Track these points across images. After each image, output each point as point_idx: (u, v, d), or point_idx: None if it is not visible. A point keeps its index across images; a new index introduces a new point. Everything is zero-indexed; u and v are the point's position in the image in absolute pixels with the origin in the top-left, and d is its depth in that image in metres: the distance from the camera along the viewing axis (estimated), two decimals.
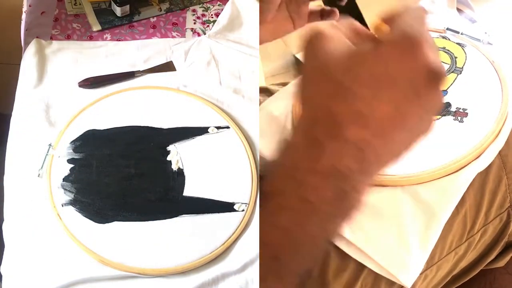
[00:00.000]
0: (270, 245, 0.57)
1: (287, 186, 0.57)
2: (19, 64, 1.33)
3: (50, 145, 1.14)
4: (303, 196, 0.57)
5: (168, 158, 1.16)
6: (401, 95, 0.55)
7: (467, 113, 0.91)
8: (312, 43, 0.60)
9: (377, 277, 0.86)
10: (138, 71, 1.32)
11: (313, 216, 0.57)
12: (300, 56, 0.66)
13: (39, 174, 1.11)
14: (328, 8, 1.02)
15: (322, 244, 0.60)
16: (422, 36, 0.55)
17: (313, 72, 0.59)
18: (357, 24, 0.64)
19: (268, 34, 0.99)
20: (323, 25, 0.60)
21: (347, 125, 0.55)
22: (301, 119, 0.59)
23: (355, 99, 0.55)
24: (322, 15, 1.01)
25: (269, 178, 0.59)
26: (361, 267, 0.86)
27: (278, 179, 0.59)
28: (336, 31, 0.61)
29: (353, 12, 1.27)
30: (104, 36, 1.41)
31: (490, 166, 0.90)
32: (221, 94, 1.30)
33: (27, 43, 1.36)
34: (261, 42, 1.06)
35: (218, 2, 1.53)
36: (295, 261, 0.58)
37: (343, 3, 0.96)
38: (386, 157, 0.58)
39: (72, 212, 1.07)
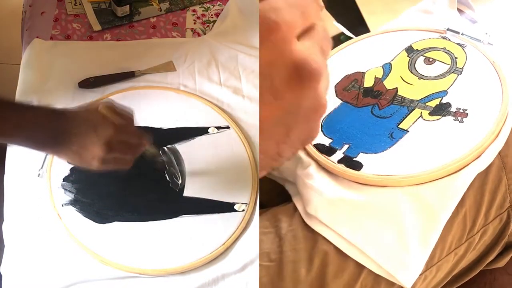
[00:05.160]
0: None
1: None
2: (19, 64, 1.32)
3: None
4: None
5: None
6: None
7: (467, 114, 0.91)
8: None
9: (376, 278, 0.86)
10: (138, 71, 1.32)
11: None
12: None
13: (39, 174, 1.11)
14: None
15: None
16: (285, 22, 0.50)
17: None
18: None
19: None
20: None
21: None
22: None
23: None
24: None
25: None
26: (360, 267, 0.86)
27: None
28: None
29: (353, 11, 1.27)
30: (104, 36, 1.41)
31: (490, 166, 0.89)
32: (221, 94, 1.30)
33: (27, 43, 1.36)
34: None
35: (218, 2, 1.53)
36: None
37: None
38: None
39: (72, 212, 1.07)
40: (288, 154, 0.58)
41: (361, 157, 0.94)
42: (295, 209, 0.94)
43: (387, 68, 1.03)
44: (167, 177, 1.13)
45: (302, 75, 0.51)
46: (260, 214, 0.99)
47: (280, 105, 0.52)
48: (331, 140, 0.97)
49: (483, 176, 0.90)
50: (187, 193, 1.12)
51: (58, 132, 0.94)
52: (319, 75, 0.52)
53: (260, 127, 0.53)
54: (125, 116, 0.99)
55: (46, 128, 0.94)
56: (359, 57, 1.07)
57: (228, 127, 1.23)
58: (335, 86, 1.04)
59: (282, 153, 0.58)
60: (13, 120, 0.92)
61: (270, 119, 0.53)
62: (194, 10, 1.50)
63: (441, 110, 0.93)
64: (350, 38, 1.15)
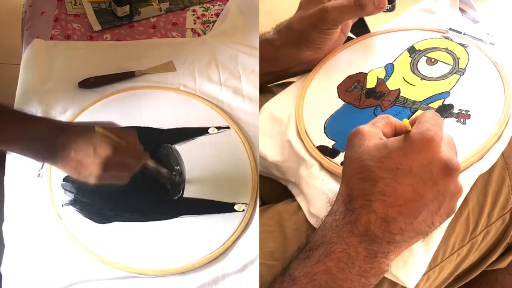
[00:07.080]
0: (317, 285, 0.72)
1: (332, 238, 0.74)
2: (19, 64, 1.32)
3: None
4: (344, 249, 0.73)
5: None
6: (418, 180, 0.72)
7: (469, 115, 0.91)
8: (352, 139, 0.79)
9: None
10: (138, 71, 1.32)
11: (353, 266, 0.73)
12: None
13: (39, 174, 1.11)
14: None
15: None
16: (437, 136, 0.73)
17: (351, 160, 0.78)
18: (393, 119, 0.82)
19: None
20: (364, 126, 0.80)
21: (375, 201, 0.73)
22: (340, 194, 0.78)
23: (379, 181, 0.73)
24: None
25: (318, 230, 0.77)
26: None
27: (325, 231, 0.76)
28: (374, 128, 0.79)
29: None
30: (104, 36, 1.41)
31: (493, 167, 0.89)
32: (221, 94, 1.31)
33: (27, 43, 1.36)
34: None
35: (218, 2, 1.53)
36: None
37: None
38: (410, 233, 0.74)
39: (72, 212, 1.07)
40: (437, 224, 0.77)
41: None
42: (299, 208, 0.94)
43: (389, 69, 1.03)
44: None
45: (451, 169, 0.73)
46: (264, 211, 0.99)
47: (436, 188, 0.73)
48: (334, 142, 0.97)
49: (486, 177, 0.89)
50: (187, 193, 1.12)
51: (57, 146, 0.95)
52: (459, 171, 0.74)
53: (421, 203, 0.73)
54: (125, 136, 1.00)
55: (45, 141, 0.95)
56: (361, 58, 1.07)
57: (228, 127, 1.23)
58: (337, 87, 1.04)
59: (434, 222, 0.76)
60: (13, 130, 0.93)
61: (429, 197, 0.73)
62: (194, 10, 1.50)
63: (444, 111, 0.93)
64: (350, 38, 1.14)
